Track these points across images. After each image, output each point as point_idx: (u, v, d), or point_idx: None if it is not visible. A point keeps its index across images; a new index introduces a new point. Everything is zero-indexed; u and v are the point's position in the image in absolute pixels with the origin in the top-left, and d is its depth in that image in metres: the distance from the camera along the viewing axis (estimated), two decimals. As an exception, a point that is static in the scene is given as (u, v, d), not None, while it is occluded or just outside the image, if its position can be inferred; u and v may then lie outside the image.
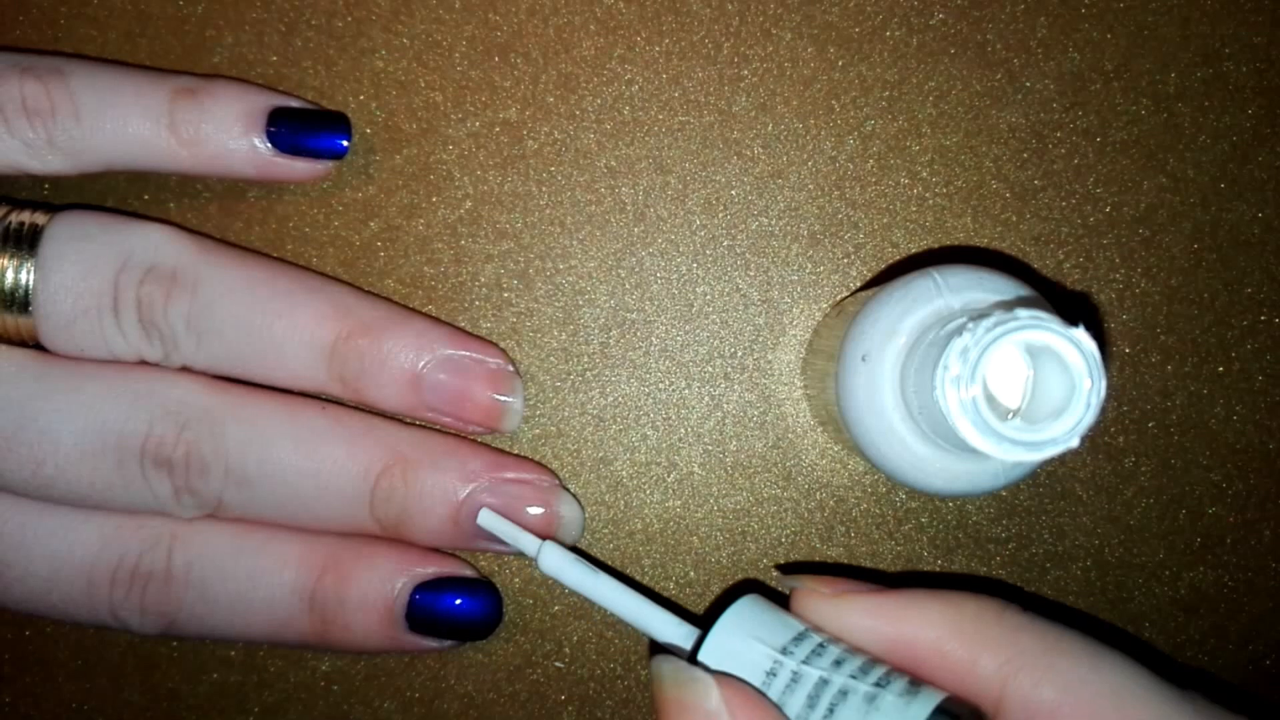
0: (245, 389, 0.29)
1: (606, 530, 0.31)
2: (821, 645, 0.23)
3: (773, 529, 0.31)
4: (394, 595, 0.28)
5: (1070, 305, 0.31)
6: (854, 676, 0.22)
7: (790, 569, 0.31)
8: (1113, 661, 0.22)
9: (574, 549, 0.28)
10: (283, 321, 0.28)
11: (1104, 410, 0.31)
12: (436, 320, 0.30)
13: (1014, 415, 0.22)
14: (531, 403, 0.31)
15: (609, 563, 0.31)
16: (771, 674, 0.23)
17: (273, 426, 0.28)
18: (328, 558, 0.28)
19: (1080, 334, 0.21)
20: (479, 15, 0.31)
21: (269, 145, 0.29)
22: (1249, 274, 0.31)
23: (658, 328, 0.31)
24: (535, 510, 0.29)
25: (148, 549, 0.28)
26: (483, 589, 0.29)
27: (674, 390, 0.31)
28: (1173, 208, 0.31)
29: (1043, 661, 0.22)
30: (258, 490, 0.28)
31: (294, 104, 0.30)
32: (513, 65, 0.31)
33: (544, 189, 0.31)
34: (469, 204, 0.31)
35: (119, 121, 0.28)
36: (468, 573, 0.30)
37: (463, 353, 0.29)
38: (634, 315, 0.31)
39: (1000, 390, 0.22)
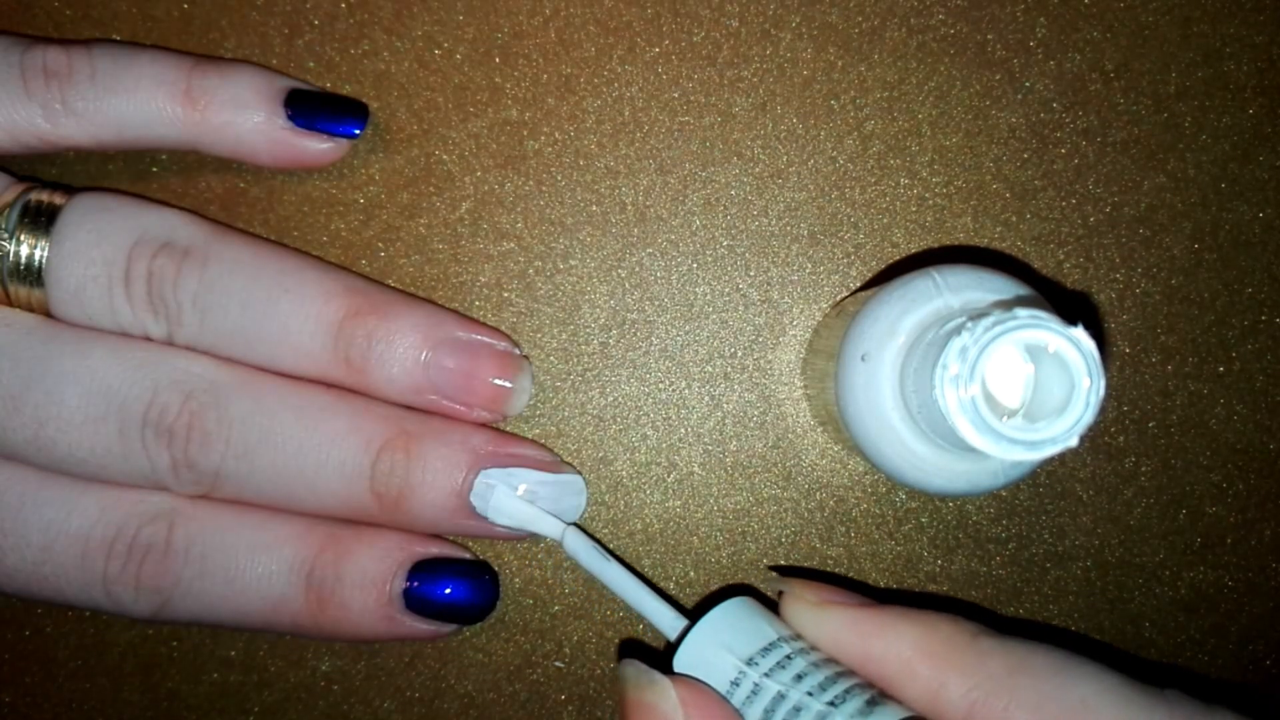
0: (251, 367, 0.29)
1: (606, 530, 0.31)
2: (788, 658, 0.24)
3: (773, 529, 0.31)
4: (392, 573, 0.28)
5: (1070, 305, 0.31)
6: (810, 694, 0.23)
7: (786, 571, 0.31)
8: (1081, 672, 0.22)
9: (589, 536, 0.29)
10: (290, 296, 0.28)
11: (1104, 410, 0.31)
12: (443, 307, 0.30)
13: (1014, 415, 0.22)
14: (531, 403, 0.31)
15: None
16: (735, 684, 0.24)
17: (276, 400, 0.28)
18: (327, 536, 0.28)
19: (1079, 333, 0.21)
20: (480, 17, 0.31)
21: (283, 119, 0.29)
22: (1249, 274, 0.31)
23: (658, 328, 0.31)
24: None
25: (148, 522, 0.28)
26: (479, 571, 0.30)
27: (674, 390, 0.31)
28: (1173, 208, 0.31)
29: (1009, 683, 0.22)
30: (258, 464, 0.28)
31: (314, 89, 0.30)
32: (513, 66, 0.31)
33: (544, 189, 0.31)
34: (469, 204, 0.31)
35: (133, 86, 0.28)
36: (466, 555, 0.30)
37: (470, 335, 0.29)
38: (634, 315, 0.31)
39: (1000, 390, 0.22)
